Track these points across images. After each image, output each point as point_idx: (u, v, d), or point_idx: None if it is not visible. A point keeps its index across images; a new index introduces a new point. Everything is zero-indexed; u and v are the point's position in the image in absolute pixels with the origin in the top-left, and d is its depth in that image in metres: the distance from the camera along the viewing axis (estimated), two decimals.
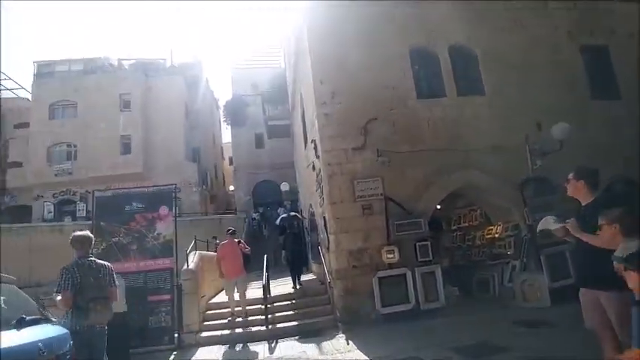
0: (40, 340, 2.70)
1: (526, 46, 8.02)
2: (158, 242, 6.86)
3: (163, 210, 7.01)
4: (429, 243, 7.06)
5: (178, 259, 6.93)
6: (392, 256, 6.81)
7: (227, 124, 28.42)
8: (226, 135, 32.31)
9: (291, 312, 7.33)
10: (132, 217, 6.92)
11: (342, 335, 6.34)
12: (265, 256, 8.23)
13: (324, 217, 7.42)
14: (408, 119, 7.55)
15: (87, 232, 3.69)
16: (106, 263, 3.67)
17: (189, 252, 7.55)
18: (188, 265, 7.21)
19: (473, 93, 7.90)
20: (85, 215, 23.60)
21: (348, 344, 5.81)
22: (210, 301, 7.98)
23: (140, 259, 6.76)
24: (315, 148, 7.68)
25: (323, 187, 7.37)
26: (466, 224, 9.72)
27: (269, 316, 7.04)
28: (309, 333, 6.64)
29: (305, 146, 10.04)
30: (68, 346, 3.05)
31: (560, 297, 6.08)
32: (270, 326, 6.83)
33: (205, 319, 7.35)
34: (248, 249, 7.64)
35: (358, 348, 5.57)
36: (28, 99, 26.71)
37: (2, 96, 28.07)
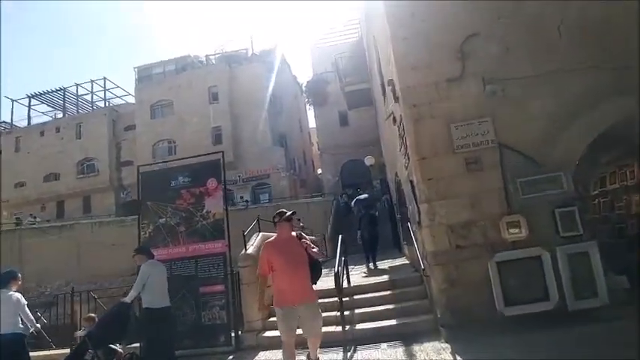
0: None
1: None
2: (208, 222, 5.77)
3: (212, 183, 5.88)
4: (576, 209, 4.57)
5: (231, 242, 5.75)
6: (517, 230, 4.54)
7: (309, 105, 27.47)
8: (313, 121, 31.48)
9: (374, 308, 5.59)
10: (178, 194, 5.95)
11: (445, 346, 4.40)
12: (340, 236, 6.59)
13: (410, 182, 5.44)
14: (528, 28, 5.04)
15: None
16: None
17: (248, 233, 6.31)
18: (246, 249, 6.00)
19: None
20: None
21: None
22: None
23: (189, 242, 5.77)
24: (393, 89, 5.69)
25: (406, 140, 5.38)
26: (616, 185, 6.71)
27: (346, 313, 5.43)
28: (399, 339, 4.84)
29: (384, 101, 8.05)
30: None
31: None
32: (347, 327, 5.22)
33: (271, 314, 6.07)
34: (316, 250, 3.85)
35: None
36: (133, 103, 29.68)
37: (113, 103, 31.90)
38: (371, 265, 8.57)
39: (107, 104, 32.52)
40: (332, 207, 20.02)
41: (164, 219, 5.91)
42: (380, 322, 5.25)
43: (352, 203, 10.12)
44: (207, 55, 31.25)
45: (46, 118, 32.74)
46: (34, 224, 23.53)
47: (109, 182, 28.28)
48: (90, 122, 29.66)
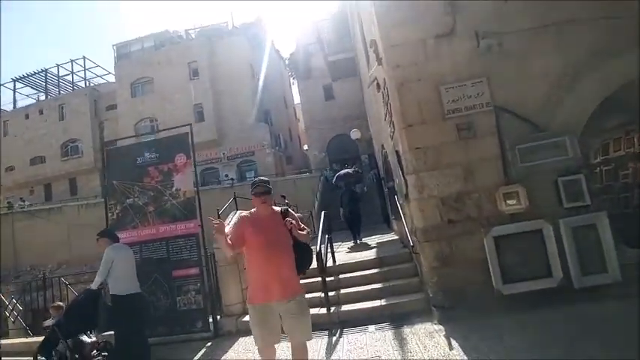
0: None
1: None
2: (178, 201, 5.25)
3: (180, 159, 5.32)
4: (582, 176, 4.18)
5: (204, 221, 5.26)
6: (515, 201, 4.14)
7: (293, 78, 26.52)
8: (298, 97, 30.56)
9: (361, 288, 5.24)
10: (145, 171, 5.39)
11: (438, 328, 4.08)
12: (323, 212, 6.16)
13: (396, 152, 4.97)
14: None
15: None
16: None
17: (224, 212, 5.81)
18: None
19: None
20: None
21: (450, 347, 3.54)
22: None
23: (159, 222, 5.27)
24: (376, 50, 5.12)
25: (391, 106, 4.87)
26: (621, 153, 6.34)
27: (330, 294, 5.07)
28: (388, 320, 4.51)
29: (368, 67, 7.45)
30: None
31: None
32: (332, 309, 4.87)
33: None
34: (306, 232, 3.01)
35: (468, 356, 3.26)
36: (114, 82, 28.32)
37: (95, 82, 30.43)
38: (358, 241, 8.55)
39: (88, 84, 31.06)
40: (319, 183, 19.59)
41: (132, 199, 5.38)
42: (367, 302, 4.92)
43: (333, 180, 9.78)
44: (186, 30, 29.71)
45: (30, 101, 31.47)
46: (24, 208, 22.82)
47: (94, 163, 27.29)
48: (72, 103, 28.38)
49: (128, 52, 27.83)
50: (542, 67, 4.35)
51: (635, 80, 4.21)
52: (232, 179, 22.86)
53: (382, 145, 7.68)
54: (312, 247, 3.08)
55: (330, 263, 5.92)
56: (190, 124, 5.44)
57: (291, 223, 2.82)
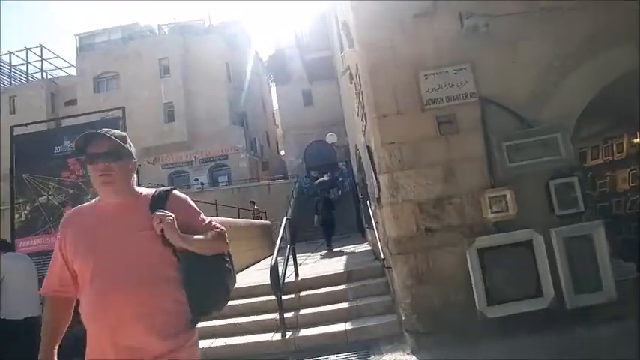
0: None
1: None
2: None
3: None
4: (576, 180, 3.61)
5: None
6: (502, 207, 3.52)
7: (272, 81, 25.77)
8: (277, 101, 29.74)
9: (324, 308, 4.48)
10: (64, 164, 4.48)
11: (410, 358, 3.37)
12: (285, 219, 5.40)
13: (368, 149, 4.28)
14: None
15: None
16: None
17: None
18: None
19: None
20: None
21: None
22: None
23: None
24: (348, 31, 4.46)
25: (363, 95, 4.19)
26: (599, 161, 6.08)
27: (288, 314, 4.29)
28: (353, 348, 3.78)
29: (342, 61, 6.80)
30: None
31: None
32: (288, 334, 4.08)
33: None
34: (212, 236, 1.47)
35: None
36: (75, 75, 26.62)
37: (54, 75, 28.56)
38: (333, 249, 8.30)
39: (46, 76, 29.03)
40: (293, 190, 18.82)
41: (45, 197, 4.44)
42: (331, 325, 4.17)
43: (307, 189, 9.50)
44: (159, 25, 28.50)
45: None
46: None
47: None
48: (25, 95, 26.24)
49: (92, 44, 26.28)
50: (533, 54, 3.80)
51: (631, 72, 3.71)
52: (202, 184, 21.76)
53: (356, 146, 7.01)
54: (228, 261, 1.53)
55: (290, 278, 5.15)
56: (123, 107, 4.57)
57: (165, 218, 1.34)
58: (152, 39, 26.10)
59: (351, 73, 5.18)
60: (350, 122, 8.13)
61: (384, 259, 3.94)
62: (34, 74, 29.30)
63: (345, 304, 4.44)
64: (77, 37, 26.46)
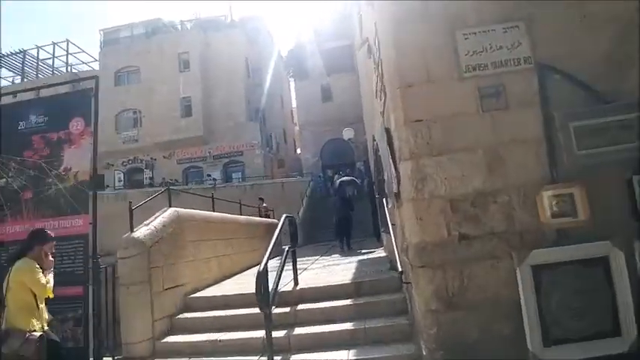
0: None
1: None
2: (66, 186, 3.65)
3: (77, 125, 3.74)
4: None
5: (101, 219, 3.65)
6: (566, 210, 2.58)
7: (290, 76, 25.08)
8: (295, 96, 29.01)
9: (324, 328, 3.61)
10: (28, 142, 3.80)
11: None
12: (285, 216, 4.57)
13: (386, 131, 3.39)
14: None
15: None
16: None
17: (136, 209, 4.12)
18: (132, 232, 3.92)
19: None
20: (148, 182, 22.95)
21: None
22: (195, 295, 4.66)
23: (38, 216, 3.68)
24: None
25: (382, 63, 3.31)
26: None
27: (279, 334, 3.46)
28: None
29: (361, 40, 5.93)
30: None
31: None
32: None
33: (173, 328, 4.06)
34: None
35: None
36: (98, 69, 26.71)
37: (79, 69, 28.85)
38: (347, 248, 8.49)
39: (70, 70, 29.34)
40: (307, 188, 18.03)
41: (4, 179, 3.78)
42: (330, 352, 3.30)
43: (335, 185, 9.23)
44: (182, 21, 28.34)
45: (5, 83, 29.39)
46: None
47: None
48: (50, 88, 26.52)
49: (116, 39, 26.35)
50: (610, 7, 2.83)
51: None
52: (214, 179, 21.27)
53: (373, 137, 6.12)
54: None
55: (287, 287, 4.32)
56: (97, 77, 3.85)
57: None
58: (174, 34, 25.95)
59: (369, 46, 4.31)
60: (368, 110, 7.24)
61: (401, 272, 3.05)
62: (60, 68, 29.67)
63: (349, 325, 3.57)
64: (102, 32, 26.61)
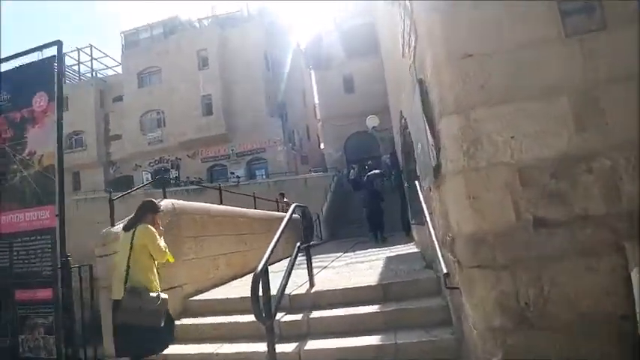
0: None
1: None
2: (31, 172, 3.06)
3: (39, 100, 3.15)
4: None
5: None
6: None
7: (310, 68, 24.36)
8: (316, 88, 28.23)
9: (342, 342, 2.84)
10: None
11: None
12: (294, 205, 3.82)
13: (419, 83, 2.55)
14: None
15: None
16: None
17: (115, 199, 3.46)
18: (113, 226, 3.29)
19: None
20: (174, 182, 22.92)
21: None
22: (196, 298, 4.00)
23: (4, 208, 3.09)
24: None
25: None
26: None
27: (284, 348, 2.73)
28: None
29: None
30: None
31: None
32: None
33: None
34: None
35: None
36: (122, 73, 27.06)
37: (104, 74, 29.42)
38: (380, 238, 8.54)
39: (95, 74, 30.01)
40: (332, 183, 17.27)
41: None
42: None
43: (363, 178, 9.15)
44: (199, 19, 28.21)
45: None
46: None
47: (97, 157, 26.01)
48: (77, 94, 27.00)
49: (136, 40, 26.45)
50: None
51: None
52: (238, 177, 20.89)
53: (401, 113, 5.24)
54: None
55: (300, 290, 3.58)
56: (60, 42, 3.21)
57: None
58: (191, 32, 25.79)
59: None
60: (393, 88, 6.35)
61: (447, 273, 2.21)
62: (86, 74, 30.39)
63: (375, 339, 2.77)
64: (122, 35, 26.86)
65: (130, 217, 2.91)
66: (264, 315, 2.37)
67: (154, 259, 2.80)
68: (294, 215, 3.82)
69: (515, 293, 1.81)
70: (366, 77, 19.06)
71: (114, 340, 2.63)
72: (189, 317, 3.64)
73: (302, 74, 29.96)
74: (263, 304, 2.51)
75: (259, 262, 2.57)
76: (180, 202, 4.16)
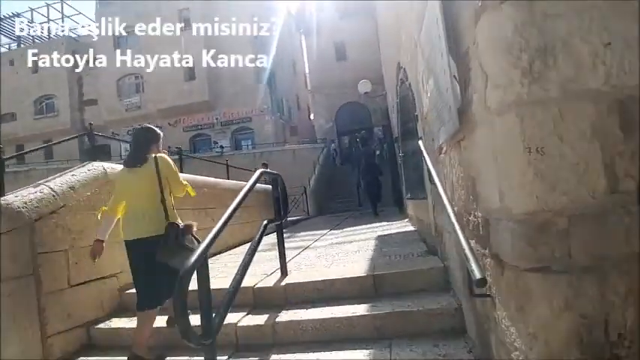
0: None
1: None
2: None
3: None
4: None
5: None
6: None
7: (301, 33, 22.91)
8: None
9: (326, 356, 2.10)
10: None
11: None
12: (260, 170, 2.99)
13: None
14: None
15: None
16: None
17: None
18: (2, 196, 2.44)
19: None
20: None
21: None
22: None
23: None
24: None
25: None
26: None
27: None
28: None
29: None
30: None
31: None
32: None
33: (94, 342, 2.64)
34: None
35: None
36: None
37: (76, 33, 27.30)
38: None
39: (68, 33, 27.79)
40: (320, 155, 16.44)
41: None
42: None
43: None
44: None
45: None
46: None
47: (71, 124, 24.52)
48: (46, 54, 25.22)
49: None
50: None
51: None
52: (222, 147, 19.89)
53: (398, 64, 4.34)
54: None
55: (268, 282, 2.83)
56: None
57: None
58: None
59: None
60: (389, 36, 5.38)
61: (482, 279, 1.39)
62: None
63: (364, 355, 2.04)
64: None
65: (131, 152, 2.54)
66: (196, 334, 1.57)
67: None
68: (265, 187, 3.02)
69: (605, 317, 1.04)
70: (359, 44, 17.86)
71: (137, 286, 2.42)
72: (124, 316, 2.84)
73: (292, 42, 28.33)
74: (203, 315, 1.72)
75: (195, 252, 1.75)
76: (117, 166, 3.29)
